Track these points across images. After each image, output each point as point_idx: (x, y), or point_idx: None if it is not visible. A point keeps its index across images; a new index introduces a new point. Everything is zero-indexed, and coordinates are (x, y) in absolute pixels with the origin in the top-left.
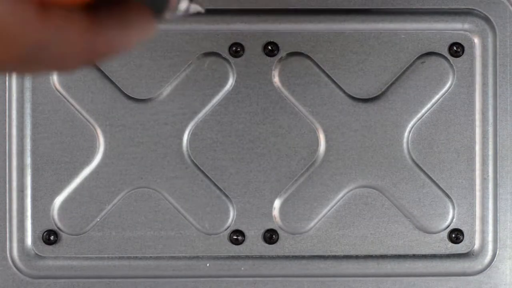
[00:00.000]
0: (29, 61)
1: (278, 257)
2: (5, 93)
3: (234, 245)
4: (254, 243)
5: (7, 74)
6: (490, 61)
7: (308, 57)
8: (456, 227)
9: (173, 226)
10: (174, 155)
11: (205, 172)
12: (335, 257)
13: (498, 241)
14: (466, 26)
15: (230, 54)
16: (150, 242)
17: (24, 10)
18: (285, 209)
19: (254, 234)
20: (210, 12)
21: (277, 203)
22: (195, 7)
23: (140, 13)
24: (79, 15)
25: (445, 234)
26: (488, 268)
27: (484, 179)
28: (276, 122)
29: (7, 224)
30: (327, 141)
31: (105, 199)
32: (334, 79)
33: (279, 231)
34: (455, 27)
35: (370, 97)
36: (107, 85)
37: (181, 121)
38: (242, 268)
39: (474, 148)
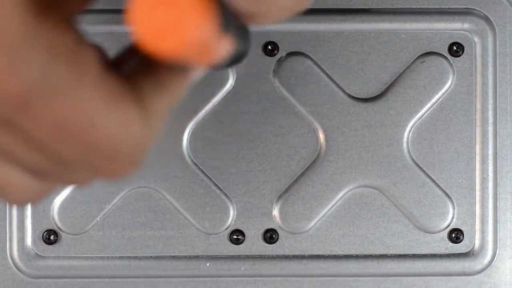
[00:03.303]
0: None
1: (278, 257)
2: None
3: (234, 245)
4: (254, 243)
5: None
6: (490, 61)
7: (308, 57)
8: (456, 227)
9: (173, 226)
10: (174, 155)
11: (205, 172)
12: (335, 257)
13: (498, 241)
14: (466, 26)
15: None
16: (150, 242)
17: (137, 121)
18: (285, 209)
19: (254, 234)
20: None
21: (277, 203)
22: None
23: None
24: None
25: (445, 234)
26: (488, 268)
27: (484, 179)
28: (276, 122)
29: (7, 224)
30: (327, 141)
31: (105, 199)
32: (334, 79)
33: (279, 231)
34: (455, 27)
35: (370, 97)
36: None
37: (181, 120)
38: (242, 268)
39: (474, 148)
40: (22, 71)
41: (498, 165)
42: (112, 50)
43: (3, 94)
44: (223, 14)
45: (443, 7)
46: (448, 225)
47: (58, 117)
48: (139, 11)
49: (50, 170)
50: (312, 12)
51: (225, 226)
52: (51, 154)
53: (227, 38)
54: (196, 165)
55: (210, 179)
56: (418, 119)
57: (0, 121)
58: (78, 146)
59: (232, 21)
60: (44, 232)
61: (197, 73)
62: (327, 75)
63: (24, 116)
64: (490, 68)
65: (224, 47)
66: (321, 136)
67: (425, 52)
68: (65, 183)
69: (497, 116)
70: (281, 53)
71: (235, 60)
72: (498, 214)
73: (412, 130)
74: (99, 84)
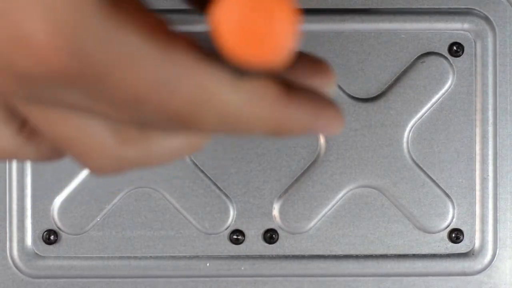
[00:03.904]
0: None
1: (278, 257)
2: None
3: (234, 245)
4: (254, 243)
5: None
6: (490, 61)
7: None
8: (456, 227)
9: (173, 226)
10: None
11: (205, 172)
12: (335, 257)
13: (498, 241)
14: (466, 26)
15: None
16: (150, 242)
17: (221, 83)
18: (285, 209)
19: (254, 234)
20: None
21: (277, 203)
22: None
23: (331, 103)
24: (274, 83)
25: (445, 234)
26: (488, 268)
27: (484, 179)
28: None
29: (7, 224)
30: (327, 141)
31: (105, 199)
32: None
33: (279, 231)
34: (455, 27)
35: (370, 97)
36: None
37: None
38: (242, 268)
39: (474, 148)
40: (89, 46)
41: (498, 165)
42: None
43: (76, 71)
44: None
45: (443, 7)
46: (448, 225)
47: (134, 86)
48: (228, 13)
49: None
50: (312, 12)
51: (225, 226)
52: (135, 116)
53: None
54: (196, 165)
55: (210, 179)
56: (418, 119)
57: (78, 91)
58: (158, 109)
59: None
60: (44, 232)
61: None
62: None
63: (100, 87)
64: (490, 68)
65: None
66: (321, 136)
67: (425, 52)
68: (153, 146)
69: (497, 116)
70: None
71: None
72: (498, 214)
73: (412, 130)
74: (172, 49)
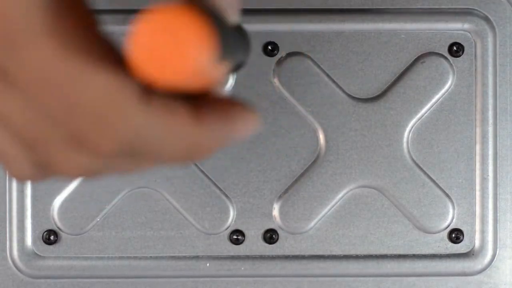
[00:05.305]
0: (123, 156)
1: (278, 257)
2: None
3: (234, 245)
4: (254, 243)
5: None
6: (490, 61)
7: (308, 57)
8: (456, 227)
9: (173, 226)
10: None
11: (205, 172)
12: (335, 257)
13: (498, 241)
14: (466, 26)
15: None
16: (150, 242)
17: (126, 94)
18: (285, 209)
19: (254, 234)
20: None
21: (277, 203)
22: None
23: (245, 108)
24: (183, 105)
25: (445, 234)
26: (488, 268)
27: (484, 179)
28: (276, 122)
29: (7, 224)
30: (327, 141)
31: (105, 199)
32: (334, 79)
33: (279, 231)
34: (455, 27)
35: (370, 97)
36: None
37: None
38: (242, 268)
39: (474, 148)
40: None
41: (498, 165)
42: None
43: None
44: (223, 38)
45: (443, 7)
46: (448, 225)
47: (42, 67)
48: (140, 38)
49: (39, 133)
50: (312, 12)
51: (225, 226)
52: (38, 109)
53: (225, 63)
54: (196, 165)
55: (210, 179)
56: (418, 119)
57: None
58: (61, 100)
59: (231, 41)
60: (44, 232)
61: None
62: (327, 75)
63: (12, 59)
64: (490, 68)
65: (222, 71)
66: (321, 136)
67: (425, 52)
68: (54, 158)
69: (497, 116)
70: (281, 53)
71: (234, 70)
72: (498, 214)
73: (412, 130)
74: (81, 52)
